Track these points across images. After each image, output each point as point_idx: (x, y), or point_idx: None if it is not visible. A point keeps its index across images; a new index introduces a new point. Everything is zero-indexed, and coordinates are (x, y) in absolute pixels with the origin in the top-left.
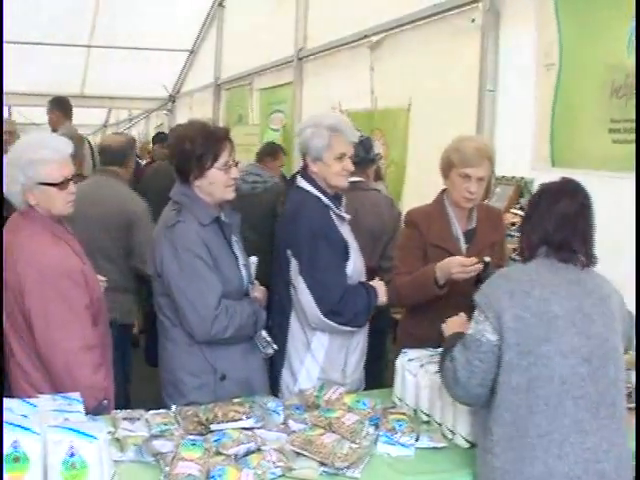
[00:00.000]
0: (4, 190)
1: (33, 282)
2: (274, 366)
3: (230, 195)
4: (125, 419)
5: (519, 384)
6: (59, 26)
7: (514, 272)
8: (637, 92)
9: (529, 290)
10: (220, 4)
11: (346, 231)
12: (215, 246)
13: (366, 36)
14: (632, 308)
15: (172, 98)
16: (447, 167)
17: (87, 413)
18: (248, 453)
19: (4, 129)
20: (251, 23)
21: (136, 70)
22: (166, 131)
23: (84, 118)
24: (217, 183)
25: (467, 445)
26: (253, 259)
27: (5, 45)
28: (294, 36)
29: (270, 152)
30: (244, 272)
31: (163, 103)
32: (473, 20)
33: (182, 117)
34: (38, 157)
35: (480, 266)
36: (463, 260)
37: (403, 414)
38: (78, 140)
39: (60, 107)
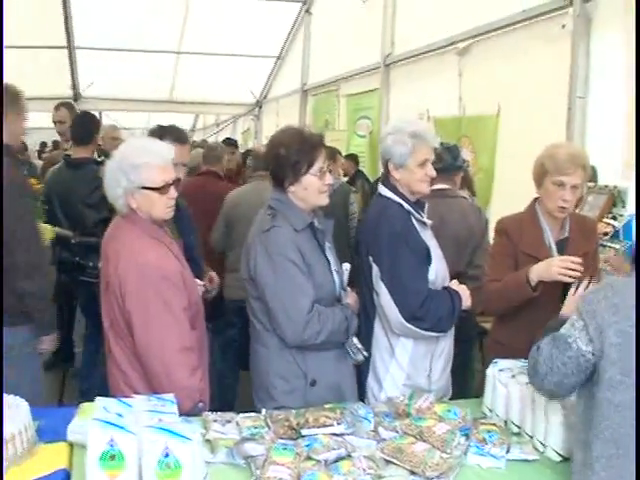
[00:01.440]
0: (107, 194)
1: (133, 284)
2: (360, 372)
3: (324, 201)
4: (216, 421)
5: (622, 402)
6: (149, 33)
7: (619, 284)
8: (637, 93)
9: (634, 304)
10: (307, 10)
11: (428, 237)
12: (308, 251)
13: (454, 42)
14: None
15: (259, 103)
16: (541, 175)
17: (182, 414)
18: (338, 459)
19: (110, 135)
20: (338, 29)
21: (224, 76)
22: (253, 136)
23: (173, 123)
24: (311, 189)
25: (559, 459)
26: (346, 266)
27: (96, 51)
28: (381, 42)
29: (331, 156)
30: (336, 278)
31: (250, 108)
32: (563, 26)
33: (268, 122)
34: (141, 161)
35: (580, 268)
36: (569, 257)
37: (494, 425)
38: None
39: None
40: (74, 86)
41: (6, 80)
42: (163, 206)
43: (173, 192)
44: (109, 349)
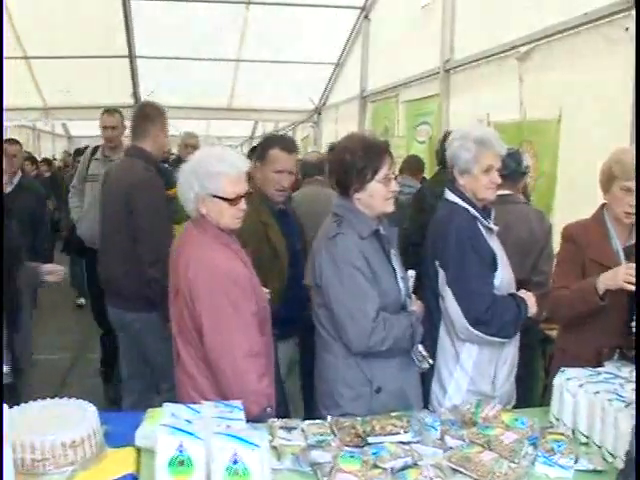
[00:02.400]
0: (180, 197)
1: (203, 289)
2: (424, 377)
3: (389, 208)
4: (282, 428)
5: None
6: (209, 41)
7: None
8: (637, 95)
9: None
10: (366, 17)
11: (495, 243)
12: (374, 259)
13: (514, 47)
14: None
15: (318, 110)
16: (608, 180)
17: (250, 420)
18: (405, 468)
19: (186, 142)
20: (397, 35)
21: (283, 83)
22: (312, 144)
23: (231, 130)
24: (377, 196)
25: None
26: (411, 272)
27: (157, 60)
28: (440, 48)
29: (418, 166)
30: (402, 285)
31: (309, 115)
32: (627, 29)
33: (328, 129)
34: (215, 170)
35: None
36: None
37: (562, 434)
38: None
39: None
40: (135, 94)
41: (69, 88)
42: (232, 217)
43: (243, 204)
44: (178, 354)
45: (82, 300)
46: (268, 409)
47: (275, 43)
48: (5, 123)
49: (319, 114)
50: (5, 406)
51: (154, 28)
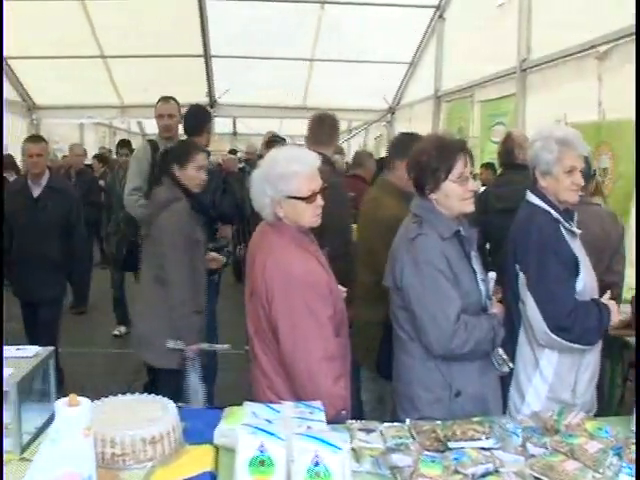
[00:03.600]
0: (255, 204)
1: (280, 291)
2: (502, 383)
3: (469, 208)
4: (361, 430)
5: None
6: (283, 41)
7: None
8: (637, 96)
9: None
10: (440, 16)
11: (577, 247)
12: (455, 260)
13: (594, 46)
14: None
15: (391, 110)
16: None
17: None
18: (486, 474)
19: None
20: (472, 34)
21: (356, 82)
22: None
23: (304, 129)
24: (453, 196)
25: None
26: (492, 274)
27: (232, 59)
28: (517, 47)
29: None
30: (482, 287)
31: (383, 115)
32: None
33: (401, 129)
34: (288, 171)
35: None
36: None
37: None
38: None
39: None
40: (210, 93)
41: (145, 87)
42: (310, 215)
43: (320, 200)
44: (254, 354)
45: (122, 329)
46: (343, 412)
47: (349, 42)
48: (82, 120)
49: (392, 114)
50: (87, 399)
51: (229, 27)
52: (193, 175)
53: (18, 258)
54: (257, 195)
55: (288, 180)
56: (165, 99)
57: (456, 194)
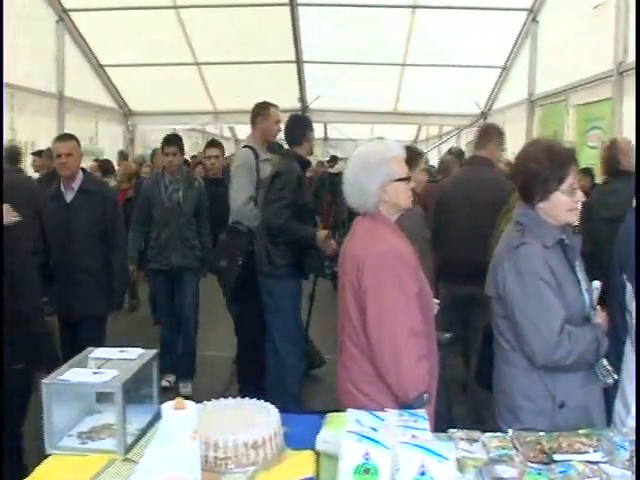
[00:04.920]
0: (354, 200)
1: (370, 264)
2: (607, 395)
3: (574, 219)
4: (463, 439)
5: None
6: (375, 46)
7: None
8: (637, 93)
9: None
10: (534, 19)
11: None
12: (558, 269)
13: None
14: None
15: (483, 115)
16: None
17: (406, 405)
18: None
19: None
20: (566, 37)
21: (448, 87)
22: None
23: (396, 134)
24: (560, 207)
25: None
26: (596, 284)
27: (323, 65)
28: (613, 49)
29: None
30: (586, 297)
31: (474, 120)
32: None
33: None
34: (390, 155)
35: None
36: None
37: None
38: None
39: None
40: (302, 99)
41: (238, 93)
42: (408, 195)
43: (412, 183)
44: (341, 343)
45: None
46: (425, 395)
47: (441, 47)
48: (176, 126)
49: (485, 118)
50: (192, 403)
51: (321, 33)
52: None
53: (55, 272)
54: (356, 190)
55: (389, 164)
56: (274, 105)
57: (564, 205)
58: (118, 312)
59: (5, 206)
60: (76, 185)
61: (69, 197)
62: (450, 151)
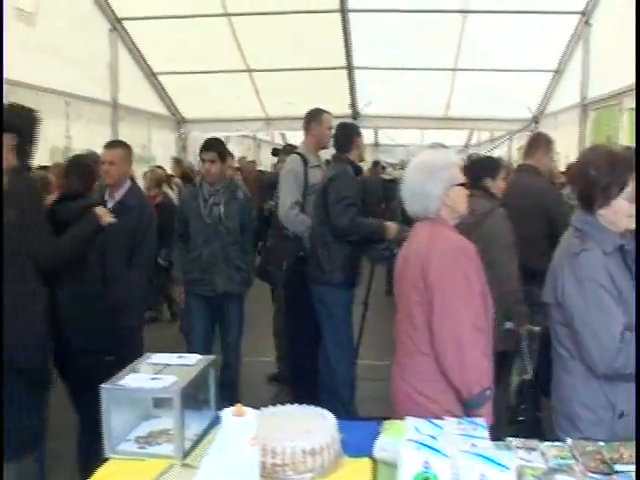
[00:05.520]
0: (410, 207)
1: (437, 259)
2: None
3: (632, 225)
4: (521, 448)
5: None
6: (425, 51)
7: None
8: (637, 96)
9: None
10: (586, 22)
11: None
12: (618, 275)
13: None
14: None
15: (535, 119)
16: None
17: (468, 401)
18: None
19: None
20: (619, 40)
21: (499, 91)
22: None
23: (447, 139)
24: (621, 213)
25: None
26: None
27: (374, 71)
28: None
29: None
30: None
31: (526, 124)
32: None
33: None
34: (451, 161)
35: None
36: None
37: None
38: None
39: None
40: (353, 105)
41: (289, 100)
42: (465, 200)
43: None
44: (398, 340)
45: None
46: (488, 391)
47: (492, 51)
48: (228, 133)
49: (537, 123)
50: (252, 409)
51: (372, 39)
52: (502, 185)
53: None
54: (419, 195)
55: (452, 169)
56: (328, 112)
57: (625, 211)
58: (158, 322)
59: (102, 209)
60: (118, 195)
61: (109, 206)
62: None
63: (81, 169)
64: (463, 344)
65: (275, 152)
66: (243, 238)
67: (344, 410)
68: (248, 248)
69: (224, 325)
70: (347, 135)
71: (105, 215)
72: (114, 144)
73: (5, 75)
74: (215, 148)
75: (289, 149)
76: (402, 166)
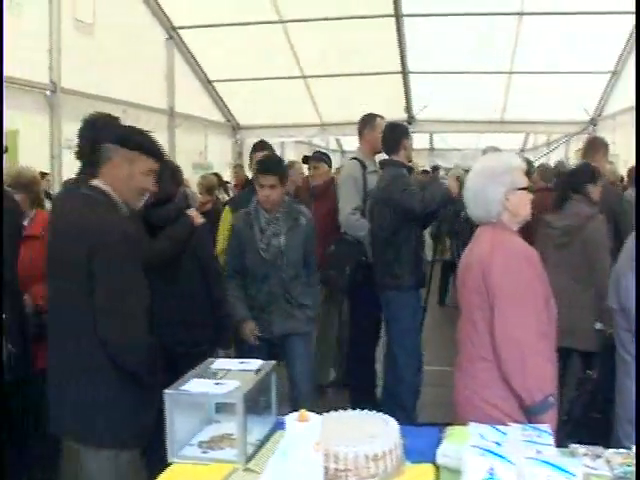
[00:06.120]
0: (477, 210)
1: (498, 265)
2: None
3: None
4: (586, 455)
5: None
6: (480, 54)
7: None
8: (637, 94)
9: None
10: None
11: None
12: None
13: None
14: None
15: (593, 122)
16: None
17: (531, 408)
18: None
19: None
20: None
21: (556, 93)
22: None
23: (502, 143)
24: None
25: None
26: None
27: (429, 75)
28: None
29: None
30: None
31: (584, 127)
32: None
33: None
34: (514, 165)
35: None
36: None
37: None
38: None
39: None
40: (408, 109)
41: (343, 105)
42: (528, 205)
43: (531, 195)
44: (462, 346)
45: None
46: (550, 398)
47: (548, 53)
48: (283, 139)
49: (594, 125)
50: (316, 415)
51: (426, 43)
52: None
53: None
54: (480, 199)
55: (515, 173)
56: (381, 117)
57: None
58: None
59: (194, 211)
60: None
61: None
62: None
63: (171, 173)
64: (525, 350)
65: (305, 159)
66: (307, 271)
67: (406, 417)
68: (313, 281)
69: (290, 367)
70: (395, 137)
71: (197, 217)
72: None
73: (63, 84)
74: (275, 170)
75: (318, 156)
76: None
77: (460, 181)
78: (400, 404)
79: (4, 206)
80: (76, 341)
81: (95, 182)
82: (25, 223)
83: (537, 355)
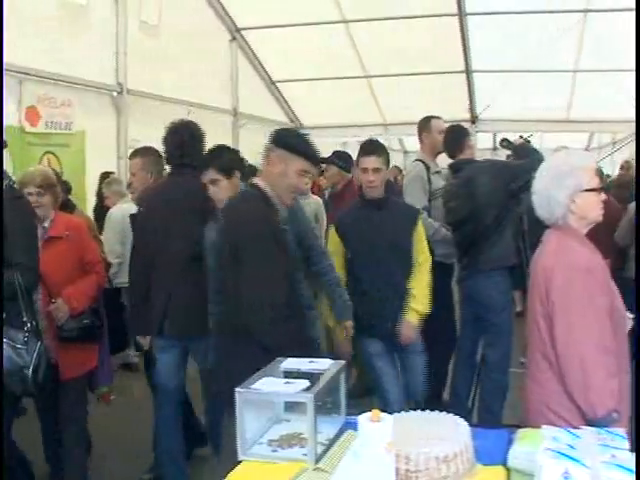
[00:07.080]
0: (544, 210)
1: (559, 276)
2: None
3: None
4: None
5: None
6: (545, 53)
7: None
8: (637, 93)
9: None
10: None
11: None
12: None
13: None
14: None
15: None
16: None
17: (593, 422)
18: None
19: None
20: None
21: (622, 92)
22: None
23: (567, 142)
24: None
25: None
26: None
27: (493, 74)
28: None
29: None
30: None
31: None
32: None
33: None
34: (581, 164)
35: None
36: None
37: None
38: None
39: None
40: (471, 109)
41: (406, 105)
42: (599, 208)
43: (603, 195)
44: (530, 355)
45: None
46: (614, 414)
47: (614, 50)
48: (346, 139)
49: None
50: (388, 415)
51: (490, 42)
52: None
53: None
54: (545, 200)
55: (582, 173)
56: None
57: None
58: None
59: None
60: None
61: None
62: None
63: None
64: (587, 365)
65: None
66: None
67: (492, 420)
68: None
69: None
70: (456, 138)
71: None
72: (133, 153)
73: (129, 86)
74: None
75: (331, 159)
76: None
77: None
78: (485, 406)
79: (21, 207)
80: None
81: (255, 180)
82: (46, 224)
83: (599, 370)
